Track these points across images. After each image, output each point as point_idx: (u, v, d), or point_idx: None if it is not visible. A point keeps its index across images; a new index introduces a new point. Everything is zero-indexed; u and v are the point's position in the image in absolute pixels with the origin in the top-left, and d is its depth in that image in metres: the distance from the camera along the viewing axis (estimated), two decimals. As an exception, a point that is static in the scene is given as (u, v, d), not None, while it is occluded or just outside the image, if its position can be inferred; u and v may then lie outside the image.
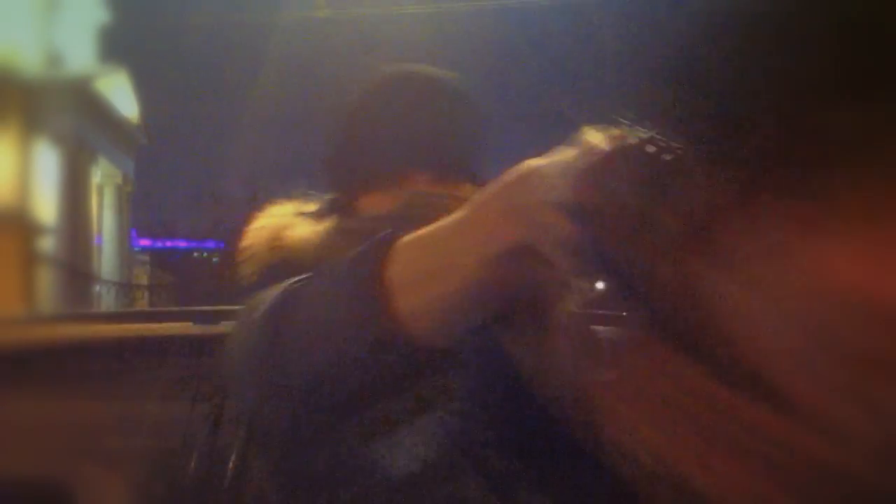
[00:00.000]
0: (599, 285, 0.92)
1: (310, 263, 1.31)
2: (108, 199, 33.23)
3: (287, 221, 1.51)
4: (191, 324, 2.60)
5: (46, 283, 26.01)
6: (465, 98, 1.57)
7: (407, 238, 1.05)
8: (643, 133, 0.87)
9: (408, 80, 1.56)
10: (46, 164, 27.18)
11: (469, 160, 1.53)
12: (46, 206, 27.14)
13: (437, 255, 1.03)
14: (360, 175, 1.50)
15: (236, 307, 2.70)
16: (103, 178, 32.34)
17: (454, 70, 1.57)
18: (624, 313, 0.88)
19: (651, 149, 0.85)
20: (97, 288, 30.70)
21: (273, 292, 1.16)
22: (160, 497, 2.40)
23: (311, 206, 1.60)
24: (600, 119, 0.93)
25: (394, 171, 1.49)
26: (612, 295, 0.91)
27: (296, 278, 1.15)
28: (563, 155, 0.96)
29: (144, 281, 38.94)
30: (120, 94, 32.37)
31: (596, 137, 0.94)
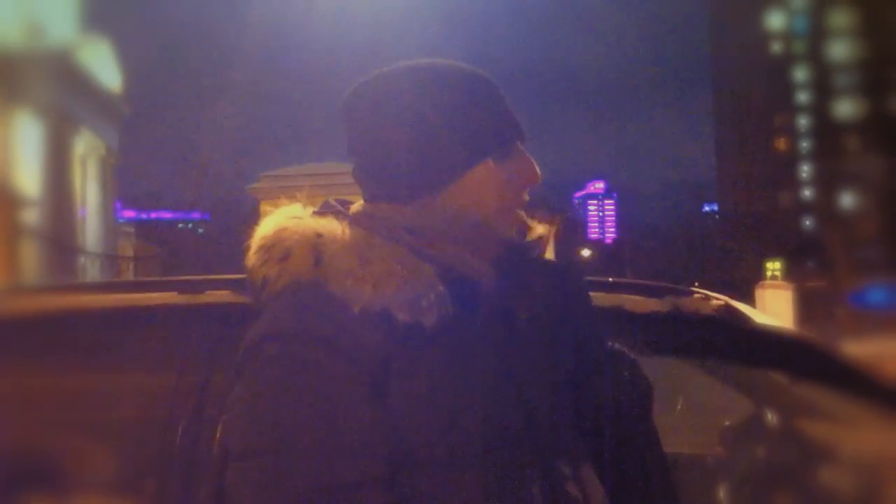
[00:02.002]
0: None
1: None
2: (92, 170, 33.06)
3: (323, 232, 1.47)
4: (176, 294, 2.60)
5: (30, 255, 25.93)
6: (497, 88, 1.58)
7: None
8: None
9: (463, 75, 1.54)
10: (29, 136, 27.02)
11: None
12: (29, 178, 27.00)
13: None
14: (449, 161, 1.49)
15: (222, 277, 2.69)
16: (87, 149, 32.17)
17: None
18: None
19: None
20: (81, 260, 30.61)
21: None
22: (147, 469, 2.40)
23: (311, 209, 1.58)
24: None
25: (476, 151, 1.49)
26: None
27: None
28: None
29: (129, 252, 38.83)
30: (103, 65, 32.14)
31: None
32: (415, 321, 1.39)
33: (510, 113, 1.55)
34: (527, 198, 1.55)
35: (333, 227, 1.49)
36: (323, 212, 1.56)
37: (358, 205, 1.59)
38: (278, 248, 1.48)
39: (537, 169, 1.55)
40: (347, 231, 1.48)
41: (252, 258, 1.52)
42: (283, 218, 1.55)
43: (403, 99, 1.51)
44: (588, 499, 1.51)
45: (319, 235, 1.47)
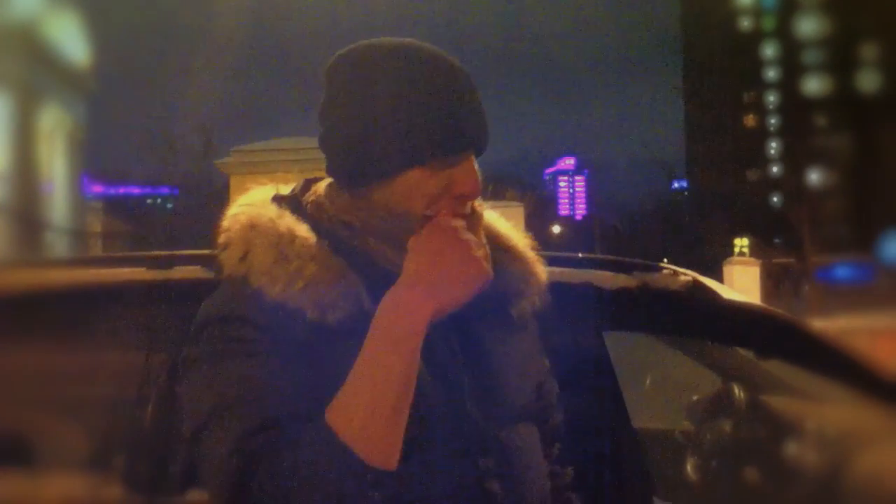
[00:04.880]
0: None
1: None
2: (59, 145, 32.75)
3: (283, 225, 1.50)
4: (145, 269, 2.58)
5: (-4, 231, 25.69)
6: (466, 73, 1.54)
7: None
8: None
9: (430, 60, 1.50)
10: (-6, 109, 26.69)
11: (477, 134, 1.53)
12: (-5, 152, 26.71)
13: None
14: (383, 159, 1.47)
15: (192, 253, 2.67)
16: (53, 123, 31.85)
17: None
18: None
19: None
20: (48, 235, 30.36)
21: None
22: (118, 446, 2.39)
23: (286, 189, 1.62)
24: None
25: (413, 155, 1.47)
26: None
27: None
28: None
29: (97, 228, 38.55)
30: (69, 38, 31.79)
31: None
32: (321, 318, 1.44)
33: (469, 120, 1.51)
34: (465, 209, 1.51)
35: (270, 217, 1.53)
36: (280, 197, 1.59)
37: (313, 188, 1.62)
38: (223, 237, 1.54)
39: (476, 184, 1.51)
40: (280, 222, 1.52)
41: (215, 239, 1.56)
42: (239, 205, 1.58)
43: (366, 83, 1.50)
44: (512, 496, 1.51)
45: (253, 228, 1.51)
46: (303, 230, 1.51)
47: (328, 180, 1.60)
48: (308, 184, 1.63)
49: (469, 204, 1.52)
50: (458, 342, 1.55)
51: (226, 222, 1.55)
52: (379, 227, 1.52)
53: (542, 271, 1.68)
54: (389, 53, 1.52)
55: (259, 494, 1.33)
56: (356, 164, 1.51)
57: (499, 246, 1.64)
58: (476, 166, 1.52)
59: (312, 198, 1.60)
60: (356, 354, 1.40)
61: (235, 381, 1.41)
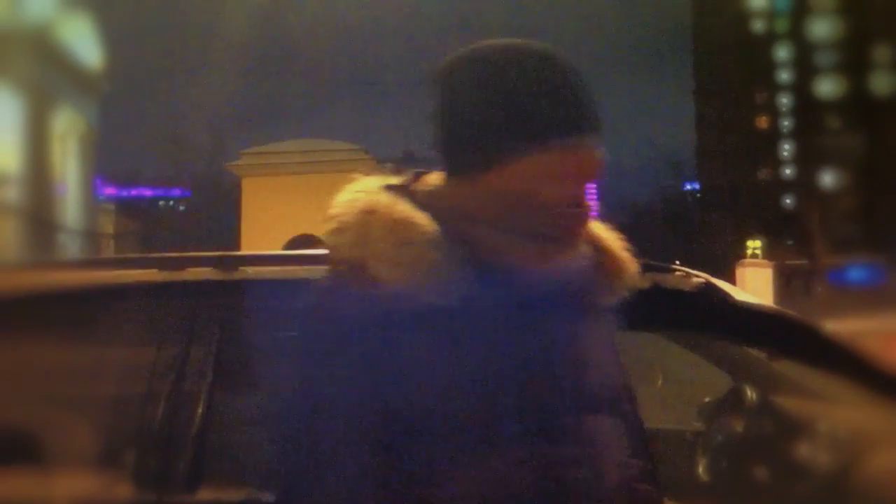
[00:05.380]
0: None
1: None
2: (72, 147, 32.86)
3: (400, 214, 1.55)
4: (156, 270, 2.59)
5: (9, 232, 25.78)
6: (576, 68, 1.58)
7: None
8: None
9: (531, 55, 1.54)
10: (7, 112, 26.83)
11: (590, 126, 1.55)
12: (8, 155, 26.83)
13: None
14: (505, 141, 1.50)
15: (203, 254, 2.68)
16: (66, 126, 31.96)
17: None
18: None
19: None
20: (61, 237, 30.46)
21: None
22: (127, 444, 2.40)
23: (396, 180, 1.64)
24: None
25: (534, 136, 1.49)
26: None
27: None
28: None
29: (110, 230, 38.66)
30: (82, 40, 31.90)
31: None
32: (438, 302, 1.47)
33: (584, 106, 1.53)
34: (583, 195, 1.54)
35: (386, 203, 1.56)
36: (392, 186, 1.62)
37: (422, 179, 1.65)
38: (337, 223, 1.57)
39: (595, 166, 1.53)
40: (397, 209, 1.55)
41: (327, 225, 1.60)
42: (352, 191, 1.61)
43: (486, 75, 1.53)
44: (590, 484, 1.54)
45: (372, 212, 1.54)
46: (421, 217, 1.54)
47: (439, 173, 1.63)
48: (418, 175, 1.66)
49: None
50: (544, 330, 1.57)
51: (337, 208, 1.58)
52: (497, 215, 1.53)
53: (633, 268, 1.75)
54: (505, 48, 1.56)
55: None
56: (478, 149, 1.52)
57: (591, 240, 1.69)
58: (597, 151, 1.54)
59: (424, 187, 1.62)
60: (468, 341, 1.47)
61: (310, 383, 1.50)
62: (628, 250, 1.76)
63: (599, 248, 1.71)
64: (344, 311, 1.50)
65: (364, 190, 1.60)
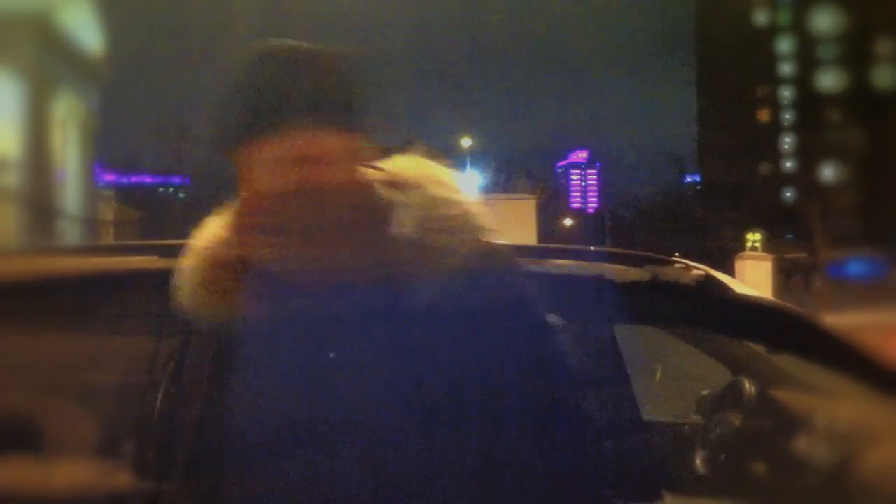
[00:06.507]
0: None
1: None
2: (72, 133, 32.81)
3: None
4: (157, 258, 2.59)
5: (9, 219, 25.77)
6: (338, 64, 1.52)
7: None
8: None
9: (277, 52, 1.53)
10: (7, 97, 26.79)
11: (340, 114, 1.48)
12: (8, 140, 26.79)
13: None
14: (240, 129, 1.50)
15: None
16: (67, 112, 31.91)
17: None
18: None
19: None
20: (61, 223, 30.44)
21: None
22: (126, 433, 2.40)
23: None
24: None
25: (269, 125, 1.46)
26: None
27: None
28: None
29: (109, 216, 38.62)
30: (83, 26, 31.83)
31: None
32: (222, 322, 1.58)
33: (291, 99, 1.47)
34: (302, 184, 1.46)
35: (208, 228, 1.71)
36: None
37: None
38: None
39: (306, 154, 1.46)
40: (202, 234, 1.69)
41: None
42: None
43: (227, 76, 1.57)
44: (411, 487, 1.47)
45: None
46: (201, 239, 1.72)
47: None
48: None
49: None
50: (323, 338, 1.53)
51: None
52: (241, 219, 1.56)
53: (452, 242, 1.54)
54: (254, 48, 1.56)
55: None
56: (212, 146, 1.60)
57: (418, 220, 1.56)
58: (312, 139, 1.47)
59: None
60: (245, 359, 1.59)
61: None
62: (464, 219, 1.56)
63: (421, 228, 1.53)
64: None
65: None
